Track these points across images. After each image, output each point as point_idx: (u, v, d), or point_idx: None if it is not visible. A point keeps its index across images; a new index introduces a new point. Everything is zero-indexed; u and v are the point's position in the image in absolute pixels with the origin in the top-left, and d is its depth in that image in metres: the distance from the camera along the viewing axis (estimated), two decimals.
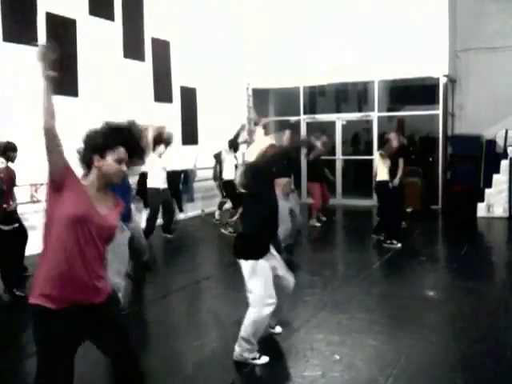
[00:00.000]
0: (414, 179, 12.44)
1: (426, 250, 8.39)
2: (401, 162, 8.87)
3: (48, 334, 2.56)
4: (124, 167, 2.69)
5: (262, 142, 4.37)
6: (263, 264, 4.11)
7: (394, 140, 8.52)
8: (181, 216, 11.23)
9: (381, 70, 12.58)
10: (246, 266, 4.11)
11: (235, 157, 10.43)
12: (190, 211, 11.57)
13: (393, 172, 8.67)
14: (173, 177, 10.28)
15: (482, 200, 11.38)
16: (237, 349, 4.14)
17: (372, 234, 9.02)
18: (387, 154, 8.49)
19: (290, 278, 4.45)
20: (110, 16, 9.82)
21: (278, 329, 4.71)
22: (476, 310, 5.41)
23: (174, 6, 11.19)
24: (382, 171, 8.52)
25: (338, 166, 13.69)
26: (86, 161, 2.68)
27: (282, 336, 4.66)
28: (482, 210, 11.33)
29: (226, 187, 10.19)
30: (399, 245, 8.31)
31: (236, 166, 10.09)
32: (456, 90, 13.38)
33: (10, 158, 6.45)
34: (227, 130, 12.02)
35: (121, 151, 2.66)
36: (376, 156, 8.70)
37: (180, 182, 11.15)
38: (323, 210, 11.03)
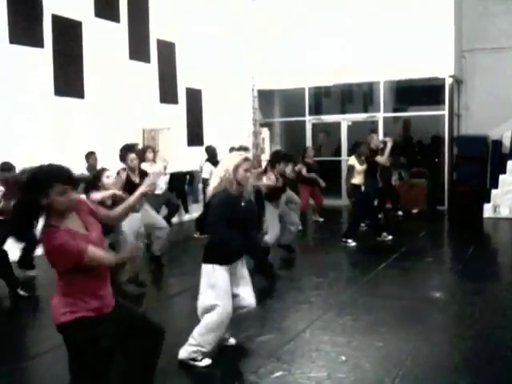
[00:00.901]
0: (419, 180, 12.43)
1: (431, 251, 8.37)
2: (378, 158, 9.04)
3: (95, 336, 2.77)
4: (72, 195, 2.72)
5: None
6: (222, 273, 4.09)
7: (372, 142, 8.85)
8: (186, 217, 11.26)
9: (386, 70, 12.56)
10: (205, 268, 4.17)
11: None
12: (195, 212, 11.57)
13: (368, 174, 8.72)
14: (178, 178, 10.28)
15: (489, 201, 11.33)
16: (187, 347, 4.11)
17: (376, 237, 9.02)
18: (362, 156, 8.62)
19: (250, 299, 4.22)
20: (115, 18, 9.85)
21: (232, 340, 4.49)
22: (482, 311, 5.38)
23: (179, 7, 11.21)
24: (358, 174, 8.58)
25: (344, 167, 13.65)
26: (38, 205, 2.66)
27: (288, 337, 4.66)
28: (488, 210, 11.29)
29: None
30: (354, 243, 8.55)
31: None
32: (462, 90, 13.34)
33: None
34: (233, 132, 12.02)
35: (57, 186, 2.65)
36: (351, 160, 8.72)
37: (185, 183, 11.17)
38: (319, 211, 11.15)
